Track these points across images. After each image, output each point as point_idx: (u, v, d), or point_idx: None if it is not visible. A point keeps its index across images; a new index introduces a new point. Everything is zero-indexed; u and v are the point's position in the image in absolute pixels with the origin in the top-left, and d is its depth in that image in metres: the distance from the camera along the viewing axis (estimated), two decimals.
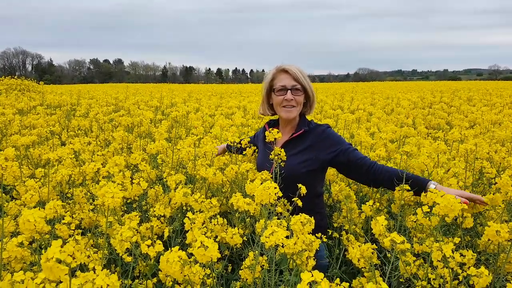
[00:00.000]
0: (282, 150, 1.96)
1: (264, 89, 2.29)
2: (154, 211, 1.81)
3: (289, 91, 2.14)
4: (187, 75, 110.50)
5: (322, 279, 0.93)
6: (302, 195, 1.79)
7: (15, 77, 12.50)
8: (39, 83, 11.47)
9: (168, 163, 2.74)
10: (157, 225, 1.79)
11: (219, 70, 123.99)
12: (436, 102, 8.73)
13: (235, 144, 2.43)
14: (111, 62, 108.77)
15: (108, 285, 1.10)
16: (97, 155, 2.44)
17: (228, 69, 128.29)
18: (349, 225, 2.01)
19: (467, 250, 1.41)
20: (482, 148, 2.72)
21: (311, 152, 2.13)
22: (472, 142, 2.36)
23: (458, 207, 1.33)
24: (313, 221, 1.42)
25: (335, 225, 2.13)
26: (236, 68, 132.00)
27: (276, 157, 1.96)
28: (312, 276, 0.93)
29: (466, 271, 1.33)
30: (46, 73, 78.84)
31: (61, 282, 0.86)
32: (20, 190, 1.93)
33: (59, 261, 0.82)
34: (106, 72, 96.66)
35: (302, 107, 2.24)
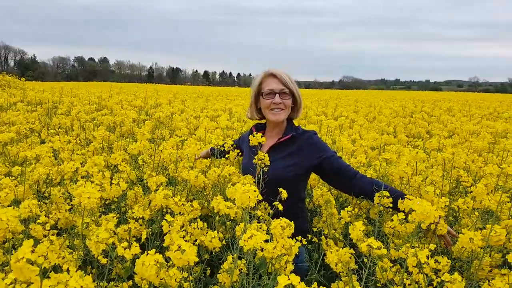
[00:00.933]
0: (266, 155, 1.97)
1: (253, 93, 2.30)
2: (133, 213, 1.79)
3: (277, 94, 2.16)
4: (174, 76, 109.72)
5: (299, 283, 0.93)
6: (283, 199, 1.80)
7: None
8: (20, 79, 11.22)
9: (150, 164, 2.71)
10: (135, 228, 1.77)
11: (206, 72, 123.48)
12: (417, 112, 8.90)
13: (219, 147, 2.43)
14: (96, 60, 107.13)
15: (82, 287, 1.08)
16: (77, 154, 2.39)
17: (215, 71, 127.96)
18: (328, 230, 2.03)
19: (442, 257, 1.44)
20: (459, 157, 2.79)
21: (297, 157, 2.15)
22: (450, 151, 2.42)
23: (433, 214, 1.36)
24: (293, 225, 1.43)
25: (314, 229, 2.15)
26: (223, 71, 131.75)
27: (259, 161, 1.97)
28: (289, 279, 0.93)
29: (440, 277, 1.35)
30: (29, 69, 76.95)
31: (31, 283, 0.84)
32: None
33: (30, 262, 0.80)
34: (90, 71, 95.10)
35: (290, 111, 2.27)
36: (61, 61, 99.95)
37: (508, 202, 2.03)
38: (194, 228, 1.70)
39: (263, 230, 1.46)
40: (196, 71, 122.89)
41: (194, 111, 6.46)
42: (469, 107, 11.05)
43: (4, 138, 2.75)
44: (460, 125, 6.45)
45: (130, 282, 1.43)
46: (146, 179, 2.22)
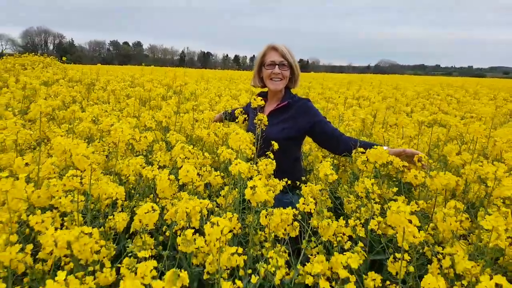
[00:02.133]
0: (265, 116, 2.36)
1: (256, 63, 2.68)
2: (156, 157, 2.25)
3: (277, 66, 2.53)
4: (205, 60, 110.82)
5: (261, 186, 1.34)
6: (275, 150, 2.20)
7: (38, 54, 13.19)
8: (60, 61, 12.14)
9: (172, 128, 3.18)
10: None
11: (236, 57, 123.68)
12: (441, 94, 8.93)
13: (229, 109, 2.85)
14: (131, 44, 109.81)
15: (117, 193, 1.55)
16: (113, 114, 2.88)
17: (245, 56, 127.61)
18: (315, 182, 2.41)
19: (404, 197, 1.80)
20: (456, 127, 3.05)
21: (292, 121, 2.52)
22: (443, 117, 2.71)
23: (385, 156, 1.72)
24: (275, 163, 1.84)
25: (303, 178, 2.52)
26: (254, 55, 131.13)
27: (259, 121, 2.37)
28: (254, 181, 1.34)
29: (387, 204, 1.72)
30: (67, 52, 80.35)
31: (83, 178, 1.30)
32: (50, 135, 2.39)
33: (85, 156, 1.25)
34: (125, 54, 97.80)
35: (288, 82, 2.63)
36: (97, 45, 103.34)
37: (471, 160, 2.34)
38: (204, 171, 2.15)
39: (254, 170, 1.88)
40: (227, 55, 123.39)
41: (217, 90, 6.91)
42: (499, 91, 10.81)
43: (53, 104, 3.30)
44: (479, 106, 6.50)
45: (151, 196, 1.90)
46: (168, 137, 2.68)
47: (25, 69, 7.93)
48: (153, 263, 1.00)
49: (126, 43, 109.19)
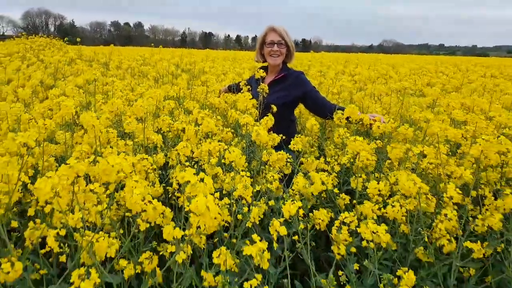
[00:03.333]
0: (266, 85, 2.90)
1: (258, 42, 3.20)
2: (179, 119, 2.81)
3: (275, 44, 3.05)
4: (206, 41, 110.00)
5: (263, 131, 1.90)
6: (274, 112, 2.75)
7: (44, 36, 13.65)
8: (66, 42, 12.67)
9: (187, 98, 3.73)
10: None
11: (238, 37, 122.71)
12: (432, 72, 9.38)
13: (235, 81, 3.38)
14: (132, 25, 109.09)
15: (157, 139, 2.12)
16: (139, 85, 3.43)
17: (247, 36, 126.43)
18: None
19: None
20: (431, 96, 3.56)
21: (287, 90, 3.05)
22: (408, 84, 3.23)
23: (356, 112, 2.27)
24: (273, 119, 2.39)
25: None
26: (255, 35, 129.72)
27: (261, 90, 2.91)
28: (258, 128, 1.90)
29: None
30: (69, 34, 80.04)
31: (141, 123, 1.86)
32: (92, 101, 2.96)
33: (142, 106, 1.82)
34: (126, 36, 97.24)
35: (285, 58, 3.15)
36: (98, 26, 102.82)
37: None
38: (217, 129, 2.70)
39: (257, 127, 2.43)
40: (229, 35, 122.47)
41: (223, 68, 7.43)
42: (490, 68, 11.23)
43: (86, 77, 3.84)
44: (462, 81, 6.99)
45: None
46: (185, 104, 3.22)
47: (43, 50, 8.44)
48: (193, 170, 1.57)
49: (127, 23, 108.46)
